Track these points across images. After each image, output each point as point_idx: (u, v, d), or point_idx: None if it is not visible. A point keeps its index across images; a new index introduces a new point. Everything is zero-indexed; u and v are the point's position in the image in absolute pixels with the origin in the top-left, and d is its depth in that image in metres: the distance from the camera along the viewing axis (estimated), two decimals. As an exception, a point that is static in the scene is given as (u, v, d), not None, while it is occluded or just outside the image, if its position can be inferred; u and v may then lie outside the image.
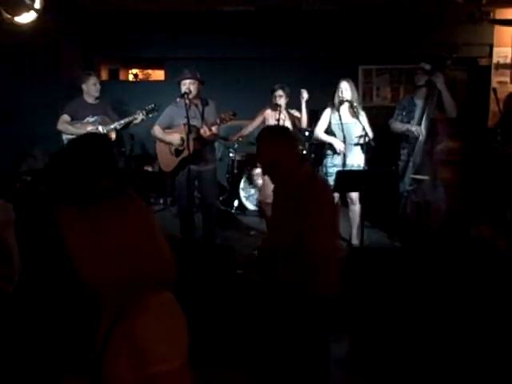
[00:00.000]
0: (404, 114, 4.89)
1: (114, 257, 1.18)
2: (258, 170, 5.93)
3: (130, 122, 5.00)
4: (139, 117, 4.95)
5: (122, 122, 4.99)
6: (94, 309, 1.24)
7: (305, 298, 2.45)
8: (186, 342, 1.25)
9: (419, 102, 4.84)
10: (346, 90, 4.77)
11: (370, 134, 4.74)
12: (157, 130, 4.67)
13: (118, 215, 1.21)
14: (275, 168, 2.60)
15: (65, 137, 4.99)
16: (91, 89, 5.01)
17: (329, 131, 4.93)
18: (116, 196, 1.25)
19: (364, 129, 4.66)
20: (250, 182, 6.27)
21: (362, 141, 4.73)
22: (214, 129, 4.45)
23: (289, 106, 5.12)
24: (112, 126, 4.95)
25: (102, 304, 1.23)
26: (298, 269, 2.46)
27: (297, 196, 2.48)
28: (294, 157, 2.57)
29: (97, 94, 5.05)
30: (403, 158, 4.89)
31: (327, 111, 4.94)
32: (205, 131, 4.39)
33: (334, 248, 2.60)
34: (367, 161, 4.79)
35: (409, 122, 4.82)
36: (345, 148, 4.77)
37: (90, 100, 5.06)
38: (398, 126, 4.91)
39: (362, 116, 4.81)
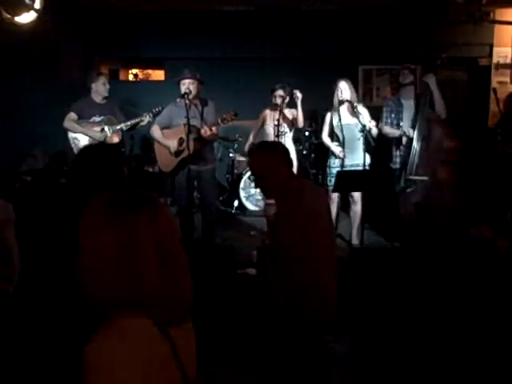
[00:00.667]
0: (393, 116, 4.89)
1: (124, 271, 1.13)
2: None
3: (137, 124, 4.98)
4: (146, 119, 4.94)
5: (129, 123, 4.98)
6: (87, 321, 1.20)
7: (291, 317, 2.40)
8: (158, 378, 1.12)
9: (406, 102, 4.85)
10: (345, 89, 4.78)
11: (374, 130, 4.73)
12: (155, 131, 4.67)
13: (135, 227, 1.14)
14: (264, 182, 2.62)
15: (70, 135, 4.99)
16: (101, 88, 5.01)
17: (332, 134, 4.95)
18: (142, 206, 1.18)
19: (364, 127, 4.66)
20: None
21: (362, 135, 4.73)
22: (214, 129, 4.45)
23: (288, 105, 5.12)
24: (118, 127, 4.95)
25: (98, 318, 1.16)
26: (287, 285, 2.41)
27: (286, 210, 2.48)
28: (282, 172, 2.56)
29: (106, 94, 5.05)
30: (397, 159, 4.90)
31: (328, 115, 4.96)
32: (205, 131, 4.39)
33: (327, 262, 2.52)
34: (369, 160, 4.79)
35: (398, 124, 4.83)
36: (343, 151, 4.78)
37: (98, 99, 5.05)
38: (390, 130, 4.90)
39: (363, 113, 4.80)
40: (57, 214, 2.17)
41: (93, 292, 1.15)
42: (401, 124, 4.82)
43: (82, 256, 1.16)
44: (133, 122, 4.97)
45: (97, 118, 5.01)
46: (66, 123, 4.96)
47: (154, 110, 4.97)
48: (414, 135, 4.68)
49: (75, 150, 5.00)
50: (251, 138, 5.41)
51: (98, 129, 4.95)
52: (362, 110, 4.84)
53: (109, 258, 1.13)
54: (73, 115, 4.96)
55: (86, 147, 2.62)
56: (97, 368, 1.05)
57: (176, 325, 1.19)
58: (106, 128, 4.94)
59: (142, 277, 1.14)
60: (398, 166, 4.87)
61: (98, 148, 2.54)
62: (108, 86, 5.07)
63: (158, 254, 1.15)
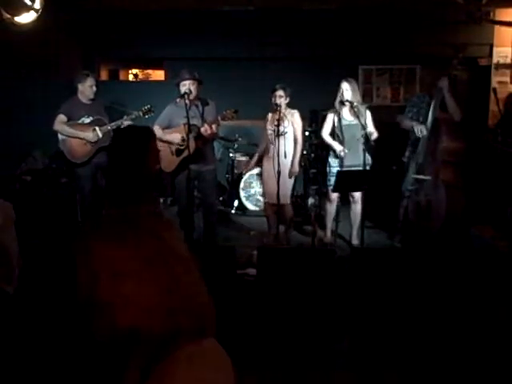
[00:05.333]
0: (415, 110, 4.91)
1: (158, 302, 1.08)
2: (257, 170, 5.92)
3: (119, 126, 4.83)
4: (126, 123, 4.85)
5: (119, 122, 4.88)
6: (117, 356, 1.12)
7: None
8: None
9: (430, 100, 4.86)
10: (346, 90, 4.79)
11: (375, 134, 4.78)
12: (156, 131, 4.66)
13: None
14: None
15: (60, 137, 4.89)
16: (87, 90, 4.91)
17: (333, 133, 4.96)
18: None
19: (364, 128, 4.67)
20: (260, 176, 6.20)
21: (363, 140, 4.74)
22: (214, 127, 4.46)
23: (288, 106, 5.11)
24: (109, 127, 4.87)
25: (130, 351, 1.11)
26: None
27: None
28: None
29: (92, 97, 4.95)
30: (407, 154, 4.92)
31: (330, 115, 4.97)
32: (206, 129, 4.40)
33: None
34: (370, 160, 4.80)
35: (418, 119, 4.84)
36: (344, 150, 4.80)
37: (84, 100, 4.95)
38: (405, 122, 4.93)
39: (364, 116, 4.82)
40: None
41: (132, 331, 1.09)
42: (420, 119, 4.82)
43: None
44: (118, 122, 4.87)
45: (86, 119, 4.89)
46: (57, 126, 4.84)
47: (143, 109, 4.90)
48: (420, 132, 4.69)
49: (65, 153, 4.93)
50: (259, 151, 5.16)
51: (89, 130, 4.87)
52: (367, 114, 4.85)
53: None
54: (62, 117, 4.85)
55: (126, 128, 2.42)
56: None
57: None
58: (97, 129, 4.86)
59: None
60: (407, 162, 4.88)
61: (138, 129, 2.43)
62: (95, 89, 4.94)
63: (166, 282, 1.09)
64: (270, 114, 5.01)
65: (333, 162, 4.95)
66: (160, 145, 4.68)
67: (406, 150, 4.98)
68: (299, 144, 4.93)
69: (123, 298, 1.03)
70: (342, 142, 4.85)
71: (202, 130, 4.40)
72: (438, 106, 4.70)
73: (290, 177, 4.89)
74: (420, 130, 4.69)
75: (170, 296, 1.06)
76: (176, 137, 4.55)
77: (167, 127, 4.65)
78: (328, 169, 5.02)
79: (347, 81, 4.82)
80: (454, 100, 4.70)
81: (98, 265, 1.02)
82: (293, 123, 4.90)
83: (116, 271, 1.02)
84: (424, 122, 4.74)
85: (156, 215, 1.13)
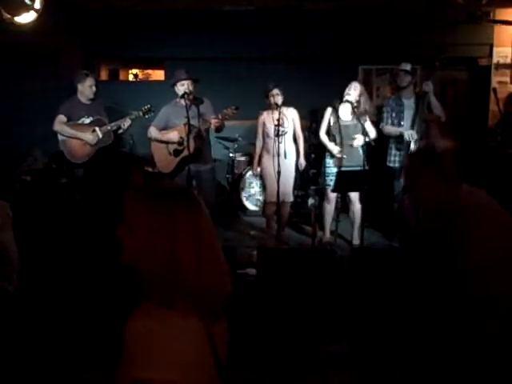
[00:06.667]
0: (394, 115, 4.92)
1: (163, 252, 1.23)
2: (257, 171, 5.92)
3: (119, 128, 4.87)
4: (126, 123, 4.84)
5: (119, 123, 4.87)
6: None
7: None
8: (192, 362, 1.21)
9: (406, 102, 4.88)
10: (350, 90, 4.80)
11: (373, 135, 4.78)
12: (153, 132, 4.67)
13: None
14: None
15: (60, 138, 4.90)
16: (87, 90, 4.90)
17: (329, 132, 4.95)
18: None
19: (364, 129, 4.67)
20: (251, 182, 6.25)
21: (361, 141, 4.74)
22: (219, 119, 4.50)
23: (288, 105, 5.11)
24: (109, 128, 4.86)
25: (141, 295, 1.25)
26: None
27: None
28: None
29: (91, 96, 4.94)
30: (396, 159, 4.91)
31: (328, 111, 4.96)
32: (217, 121, 4.44)
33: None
34: (366, 162, 4.81)
35: (399, 123, 4.86)
36: (341, 151, 4.79)
37: (84, 100, 4.95)
38: (391, 129, 4.93)
39: (364, 117, 4.82)
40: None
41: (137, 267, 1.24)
42: (402, 123, 4.84)
43: (127, 239, 1.25)
44: (118, 122, 4.85)
45: (86, 120, 4.89)
46: (57, 126, 4.84)
47: (143, 109, 4.90)
48: (411, 138, 4.70)
49: (65, 153, 4.93)
50: (258, 149, 5.15)
51: (89, 130, 4.86)
52: (366, 117, 4.87)
53: (149, 240, 1.23)
54: (62, 117, 4.84)
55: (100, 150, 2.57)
56: (134, 344, 1.15)
57: (212, 322, 1.26)
58: (97, 129, 4.84)
59: (181, 261, 1.23)
60: (397, 165, 4.88)
61: (111, 153, 2.53)
62: (94, 89, 4.93)
63: (197, 245, 1.25)
64: (265, 113, 4.98)
65: (328, 162, 4.95)
66: (158, 146, 4.70)
67: (388, 155, 4.98)
68: (301, 138, 5.01)
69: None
70: (337, 142, 4.85)
71: (213, 121, 4.42)
72: (425, 109, 4.73)
73: (298, 168, 4.99)
74: (411, 136, 4.70)
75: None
76: (174, 135, 4.55)
77: (164, 128, 4.66)
78: (323, 169, 5.03)
79: (355, 82, 4.87)
80: (438, 101, 4.81)
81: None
82: (293, 120, 4.92)
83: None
84: (412, 126, 4.75)
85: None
